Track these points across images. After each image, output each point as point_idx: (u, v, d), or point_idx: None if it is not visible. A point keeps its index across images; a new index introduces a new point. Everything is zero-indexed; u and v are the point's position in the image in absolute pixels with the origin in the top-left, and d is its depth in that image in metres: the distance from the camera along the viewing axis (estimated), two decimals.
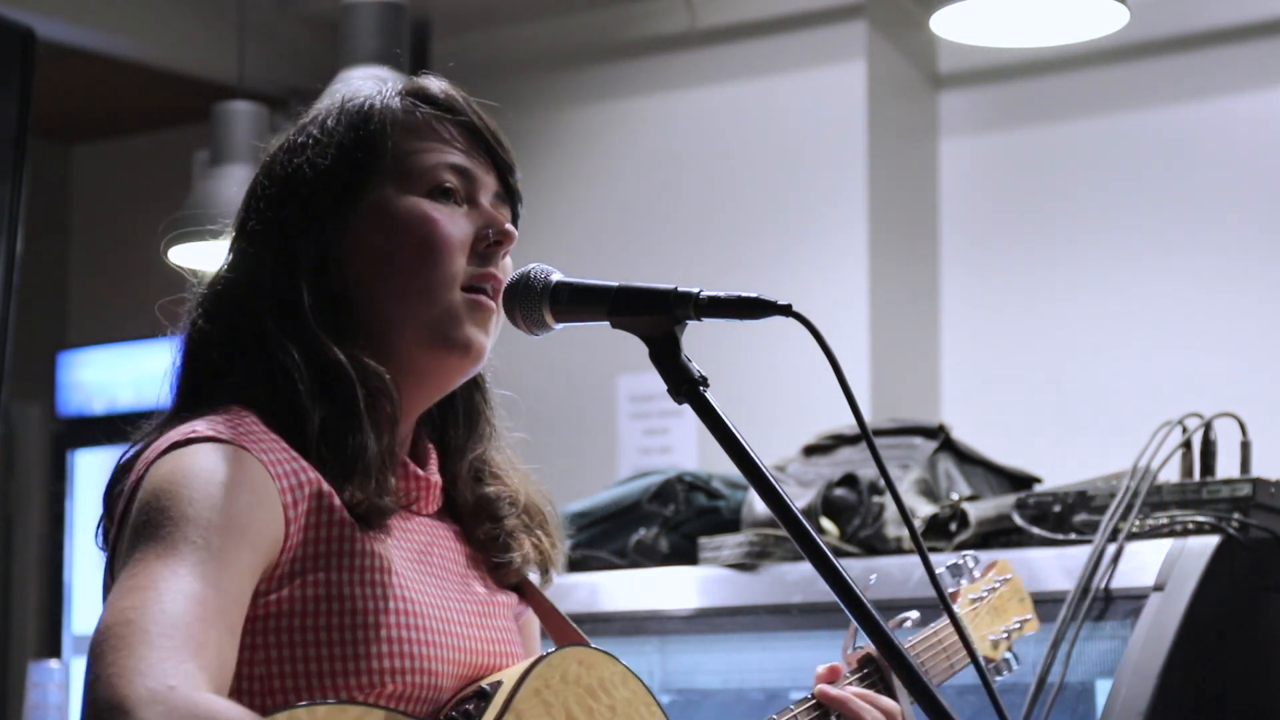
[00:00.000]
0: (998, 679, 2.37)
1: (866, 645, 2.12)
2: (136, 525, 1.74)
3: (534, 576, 2.05)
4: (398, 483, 1.91)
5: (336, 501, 1.82)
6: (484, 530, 1.99)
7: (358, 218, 1.92)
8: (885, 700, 2.08)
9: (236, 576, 1.72)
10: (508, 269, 1.94)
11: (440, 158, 1.93)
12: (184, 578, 1.67)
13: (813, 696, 2.06)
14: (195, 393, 1.90)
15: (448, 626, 1.88)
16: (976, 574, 2.37)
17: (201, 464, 1.76)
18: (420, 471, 1.94)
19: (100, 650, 1.63)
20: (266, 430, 1.83)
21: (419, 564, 1.90)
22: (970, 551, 2.39)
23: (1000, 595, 2.38)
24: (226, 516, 1.73)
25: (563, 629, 2.04)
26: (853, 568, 2.72)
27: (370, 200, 1.92)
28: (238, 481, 1.75)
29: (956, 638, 2.24)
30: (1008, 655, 2.36)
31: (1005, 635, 2.36)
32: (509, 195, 1.98)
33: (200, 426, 1.80)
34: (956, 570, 2.34)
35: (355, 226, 1.92)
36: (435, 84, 1.98)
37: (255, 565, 1.75)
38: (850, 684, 2.10)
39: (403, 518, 1.91)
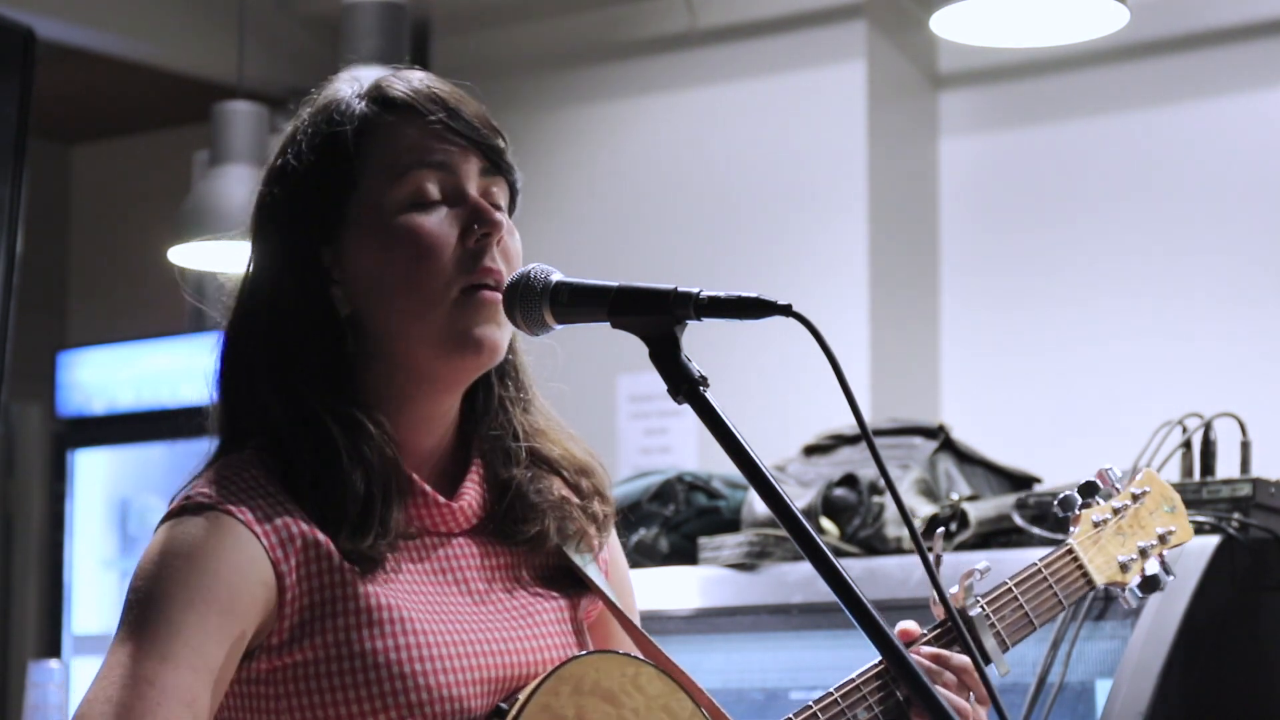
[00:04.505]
0: (1126, 607, 2.25)
1: (950, 598, 2.06)
2: (123, 606, 1.84)
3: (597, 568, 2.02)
4: (415, 511, 1.91)
5: (333, 549, 1.85)
6: (507, 518, 1.97)
7: (348, 240, 1.91)
8: (957, 658, 2.00)
9: (199, 647, 1.78)
10: (511, 251, 1.93)
11: (415, 160, 1.90)
12: (139, 661, 1.77)
13: (881, 662, 1.98)
14: (221, 440, 1.95)
15: (474, 647, 1.88)
16: (1115, 490, 2.24)
17: (176, 539, 1.82)
18: (440, 499, 1.93)
19: None
20: (266, 480, 1.86)
21: (443, 586, 1.91)
22: (1109, 465, 2.26)
23: (1136, 511, 2.24)
24: (190, 590, 1.79)
25: (630, 630, 2.02)
26: (853, 568, 2.72)
27: (356, 220, 1.91)
28: (210, 551, 1.81)
29: (1065, 569, 2.15)
30: (1155, 573, 2.21)
31: (1139, 554, 2.22)
32: (499, 170, 1.95)
33: (193, 491, 1.86)
34: (1088, 489, 2.22)
35: (348, 248, 1.91)
36: (399, 85, 1.94)
37: (231, 628, 1.80)
38: (925, 642, 2.04)
39: (423, 545, 1.92)
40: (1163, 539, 2.25)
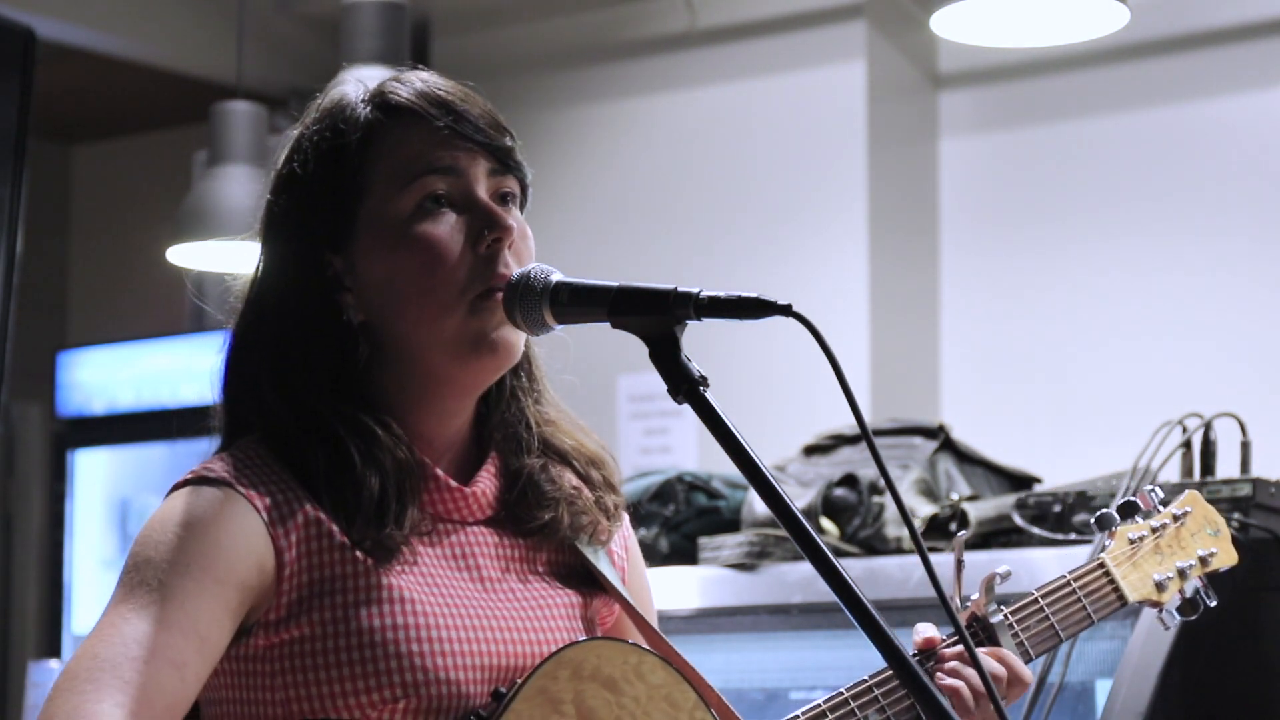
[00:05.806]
0: (1164, 628, 2.23)
1: (972, 604, 2.06)
2: (122, 568, 1.86)
3: (609, 566, 2.02)
4: (430, 497, 1.91)
5: (336, 529, 1.85)
6: (519, 505, 1.97)
7: (358, 248, 1.92)
8: (974, 665, 1.97)
9: (192, 612, 1.80)
10: (523, 254, 1.94)
11: (422, 167, 1.90)
12: (130, 621, 1.79)
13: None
14: (227, 427, 1.97)
15: (477, 634, 1.88)
16: (1156, 510, 2.23)
17: (179, 508, 1.85)
18: (452, 483, 1.93)
19: (48, 695, 1.78)
20: (274, 463, 1.88)
21: (455, 572, 1.91)
22: (1151, 485, 2.25)
23: (1176, 531, 2.23)
24: (188, 556, 1.81)
25: (645, 630, 2.01)
26: (853, 568, 2.72)
27: (366, 229, 1.91)
28: (210, 521, 1.83)
29: (1096, 583, 2.15)
30: (1195, 595, 2.21)
31: (1177, 574, 2.20)
32: (509, 167, 1.95)
33: (201, 466, 1.89)
34: (1128, 509, 2.20)
35: (359, 257, 1.92)
36: (403, 90, 1.93)
37: (226, 598, 1.82)
38: (947, 647, 2.03)
39: (438, 531, 1.92)
40: (1203, 561, 2.24)
